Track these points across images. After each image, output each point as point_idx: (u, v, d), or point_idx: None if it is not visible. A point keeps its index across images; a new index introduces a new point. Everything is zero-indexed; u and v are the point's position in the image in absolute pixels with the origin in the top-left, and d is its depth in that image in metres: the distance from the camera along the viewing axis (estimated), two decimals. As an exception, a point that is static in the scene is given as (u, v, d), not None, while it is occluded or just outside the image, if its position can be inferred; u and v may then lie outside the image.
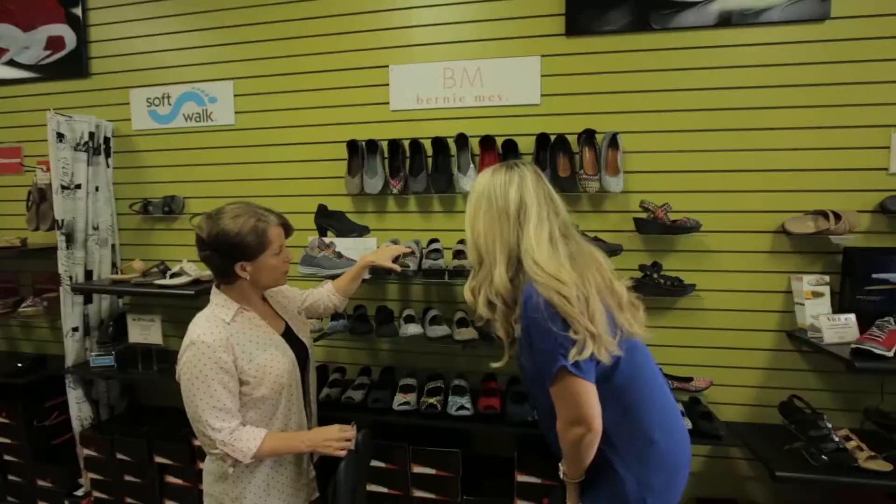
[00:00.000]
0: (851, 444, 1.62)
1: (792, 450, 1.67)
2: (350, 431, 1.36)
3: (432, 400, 1.88)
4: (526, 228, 1.11)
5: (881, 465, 1.55)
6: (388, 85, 2.14)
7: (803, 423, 1.72)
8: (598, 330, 1.03)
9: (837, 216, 1.75)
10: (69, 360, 2.28)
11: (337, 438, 1.32)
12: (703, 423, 1.76)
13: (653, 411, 1.15)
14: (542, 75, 2.01)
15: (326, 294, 1.63)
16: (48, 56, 2.51)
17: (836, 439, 1.62)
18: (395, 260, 1.70)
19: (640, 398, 1.13)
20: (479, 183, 1.20)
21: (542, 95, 2.02)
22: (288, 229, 1.36)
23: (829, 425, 1.66)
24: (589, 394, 1.03)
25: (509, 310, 1.17)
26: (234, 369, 1.24)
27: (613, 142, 1.90)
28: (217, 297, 1.32)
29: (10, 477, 2.45)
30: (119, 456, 2.20)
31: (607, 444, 1.11)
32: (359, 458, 1.38)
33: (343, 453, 1.32)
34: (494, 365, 1.23)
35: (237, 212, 1.26)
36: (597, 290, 1.07)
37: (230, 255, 1.25)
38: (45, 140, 2.19)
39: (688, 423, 1.71)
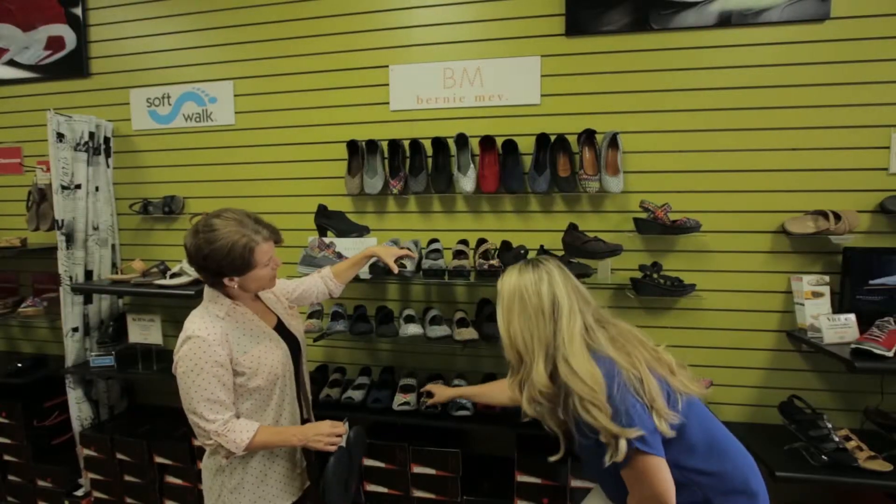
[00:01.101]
0: (851, 444, 1.62)
1: (792, 450, 1.67)
2: (341, 428, 1.37)
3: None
4: (560, 324, 1.14)
5: (881, 465, 1.55)
6: (387, 85, 2.14)
7: (803, 423, 1.73)
8: (657, 405, 1.06)
9: (837, 216, 1.75)
10: (69, 361, 2.28)
11: (327, 434, 1.33)
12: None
13: (738, 457, 1.16)
14: (542, 75, 2.01)
15: (321, 280, 1.63)
16: (48, 56, 2.51)
17: (836, 439, 1.62)
18: (397, 260, 1.71)
19: (720, 446, 1.15)
20: (507, 283, 1.22)
21: (542, 95, 2.02)
22: (278, 241, 1.34)
23: (829, 425, 1.66)
24: (661, 469, 1.05)
25: (553, 405, 1.17)
26: (229, 363, 1.26)
27: (613, 142, 1.90)
28: (210, 293, 1.34)
29: (10, 477, 2.45)
30: (119, 456, 2.20)
31: None
32: (350, 455, 1.39)
33: (333, 449, 1.33)
34: (552, 459, 1.23)
35: (225, 231, 1.22)
36: (647, 365, 1.10)
37: (217, 273, 1.26)
38: (45, 140, 2.19)
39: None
